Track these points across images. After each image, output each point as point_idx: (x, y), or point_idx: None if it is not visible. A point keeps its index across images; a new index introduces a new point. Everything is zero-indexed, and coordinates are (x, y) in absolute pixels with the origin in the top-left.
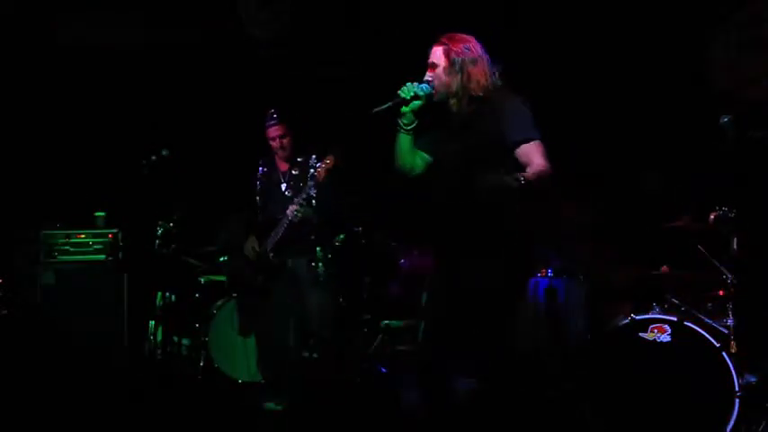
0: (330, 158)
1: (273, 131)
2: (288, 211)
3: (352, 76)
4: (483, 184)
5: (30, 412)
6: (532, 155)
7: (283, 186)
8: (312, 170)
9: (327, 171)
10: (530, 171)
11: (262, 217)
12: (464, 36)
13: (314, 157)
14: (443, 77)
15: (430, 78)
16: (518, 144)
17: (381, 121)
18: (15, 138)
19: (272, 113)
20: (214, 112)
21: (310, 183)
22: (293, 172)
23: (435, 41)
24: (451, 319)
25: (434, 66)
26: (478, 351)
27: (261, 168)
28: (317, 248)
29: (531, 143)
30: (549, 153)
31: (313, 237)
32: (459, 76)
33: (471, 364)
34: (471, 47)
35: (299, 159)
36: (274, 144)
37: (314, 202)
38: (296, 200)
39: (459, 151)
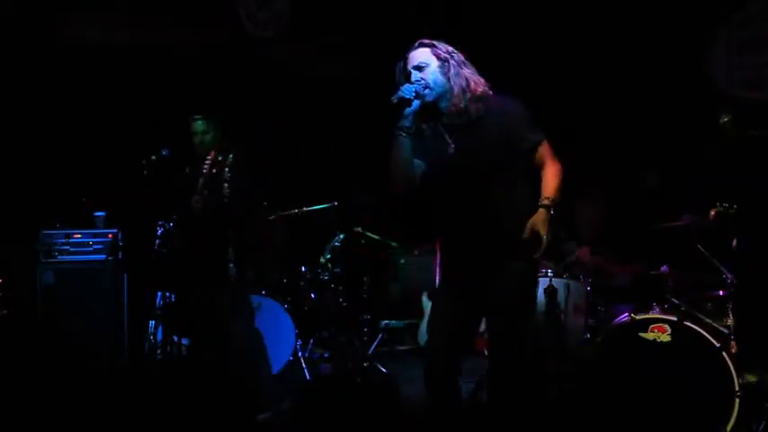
0: (210, 153)
1: (191, 127)
2: (192, 203)
3: (352, 77)
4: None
5: (30, 412)
6: (547, 155)
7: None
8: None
9: (211, 164)
10: (548, 173)
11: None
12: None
13: (231, 156)
14: (439, 76)
15: (420, 78)
16: (536, 146)
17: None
18: (15, 138)
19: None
20: (214, 113)
21: (201, 180)
22: (213, 171)
23: (411, 48)
24: (462, 319)
25: (423, 66)
26: (501, 352)
27: (186, 169)
28: (230, 249)
29: (545, 144)
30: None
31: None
32: (455, 74)
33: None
34: (455, 50)
35: (219, 159)
36: (193, 140)
37: (226, 189)
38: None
39: (467, 153)
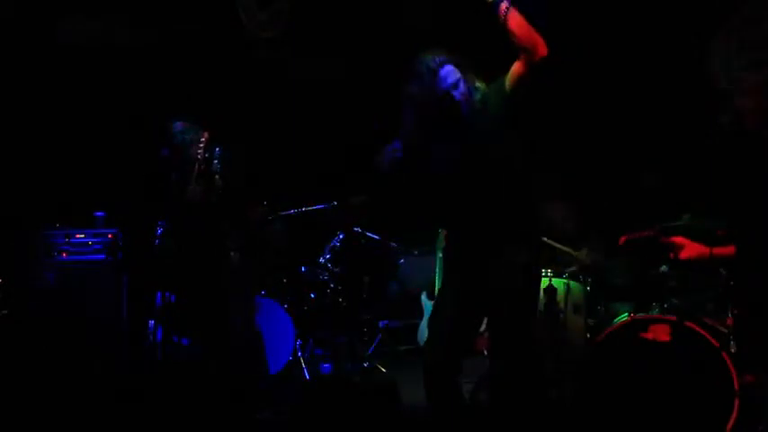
0: (204, 136)
1: (171, 129)
2: (187, 194)
3: (351, 77)
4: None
5: (30, 412)
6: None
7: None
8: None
9: (205, 148)
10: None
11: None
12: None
13: (217, 149)
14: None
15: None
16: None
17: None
18: (15, 137)
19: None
20: (214, 113)
21: (195, 165)
22: (202, 166)
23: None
24: (462, 318)
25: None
26: (502, 350)
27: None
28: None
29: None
30: (550, 153)
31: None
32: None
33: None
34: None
35: (207, 155)
36: (173, 141)
37: (217, 177)
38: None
39: (467, 152)
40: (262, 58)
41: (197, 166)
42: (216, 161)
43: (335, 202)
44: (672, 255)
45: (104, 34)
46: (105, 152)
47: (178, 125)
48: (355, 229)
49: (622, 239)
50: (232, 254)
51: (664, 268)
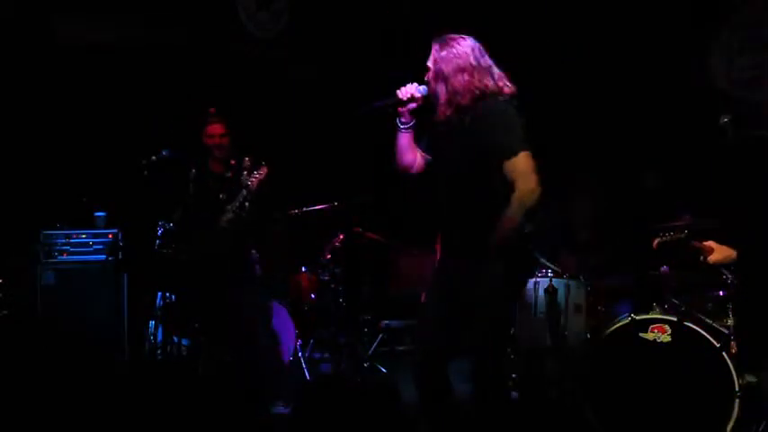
0: (263, 169)
1: (214, 129)
2: (221, 221)
3: (351, 76)
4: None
5: (30, 412)
6: (517, 174)
7: (217, 190)
8: (245, 179)
9: (260, 182)
10: (515, 195)
11: (188, 219)
12: (457, 40)
13: (246, 159)
14: (432, 84)
15: (427, 80)
16: (505, 158)
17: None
18: (15, 138)
19: (212, 112)
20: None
21: (244, 192)
22: (227, 175)
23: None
24: (447, 319)
25: (428, 69)
26: (473, 352)
27: (192, 170)
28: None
29: (519, 156)
30: (550, 153)
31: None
32: (444, 85)
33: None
34: (461, 52)
35: (232, 162)
36: (212, 142)
37: (246, 207)
38: (228, 207)
39: (448, 161)
40: (261, 57)
41: (241, 198)
42: (245, 173)
43: (336, 202)
44: (702, 258)
45: (105, 35)
46: (105, 152)
47: (220, 126)
48: (355, 228)
49: (655, 243)
50: (257, 266)
51: (664, 268)
